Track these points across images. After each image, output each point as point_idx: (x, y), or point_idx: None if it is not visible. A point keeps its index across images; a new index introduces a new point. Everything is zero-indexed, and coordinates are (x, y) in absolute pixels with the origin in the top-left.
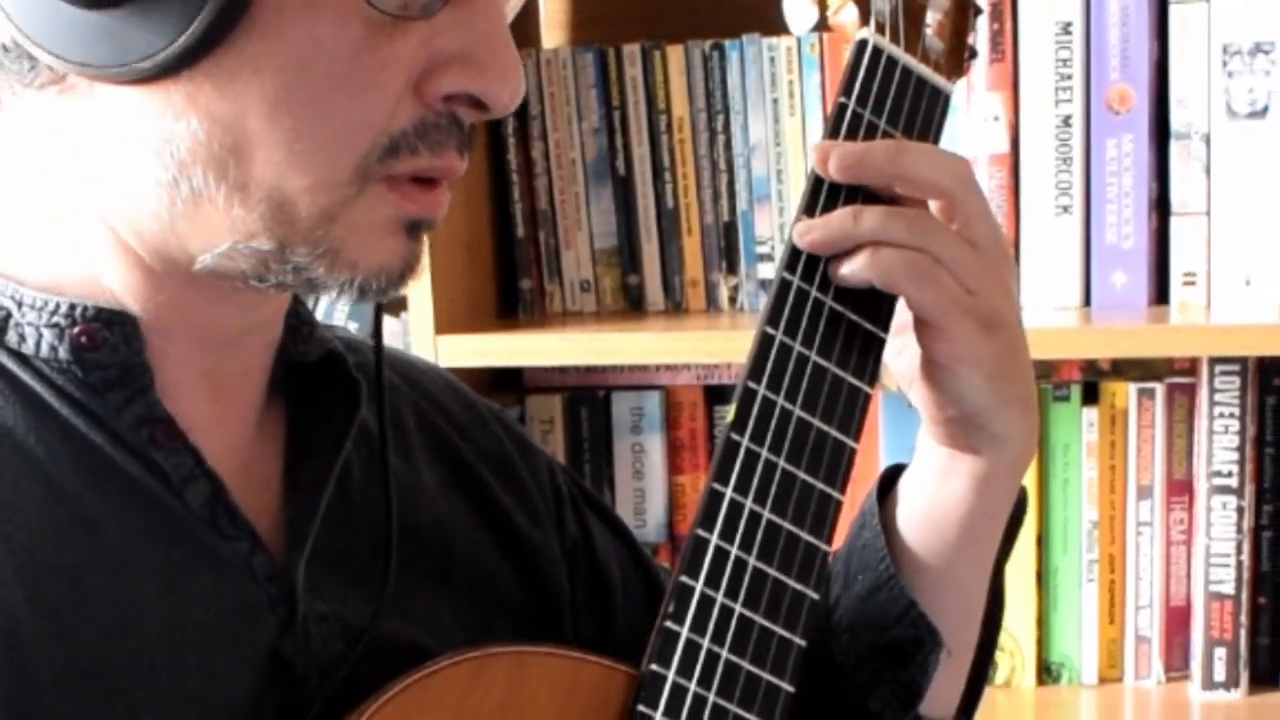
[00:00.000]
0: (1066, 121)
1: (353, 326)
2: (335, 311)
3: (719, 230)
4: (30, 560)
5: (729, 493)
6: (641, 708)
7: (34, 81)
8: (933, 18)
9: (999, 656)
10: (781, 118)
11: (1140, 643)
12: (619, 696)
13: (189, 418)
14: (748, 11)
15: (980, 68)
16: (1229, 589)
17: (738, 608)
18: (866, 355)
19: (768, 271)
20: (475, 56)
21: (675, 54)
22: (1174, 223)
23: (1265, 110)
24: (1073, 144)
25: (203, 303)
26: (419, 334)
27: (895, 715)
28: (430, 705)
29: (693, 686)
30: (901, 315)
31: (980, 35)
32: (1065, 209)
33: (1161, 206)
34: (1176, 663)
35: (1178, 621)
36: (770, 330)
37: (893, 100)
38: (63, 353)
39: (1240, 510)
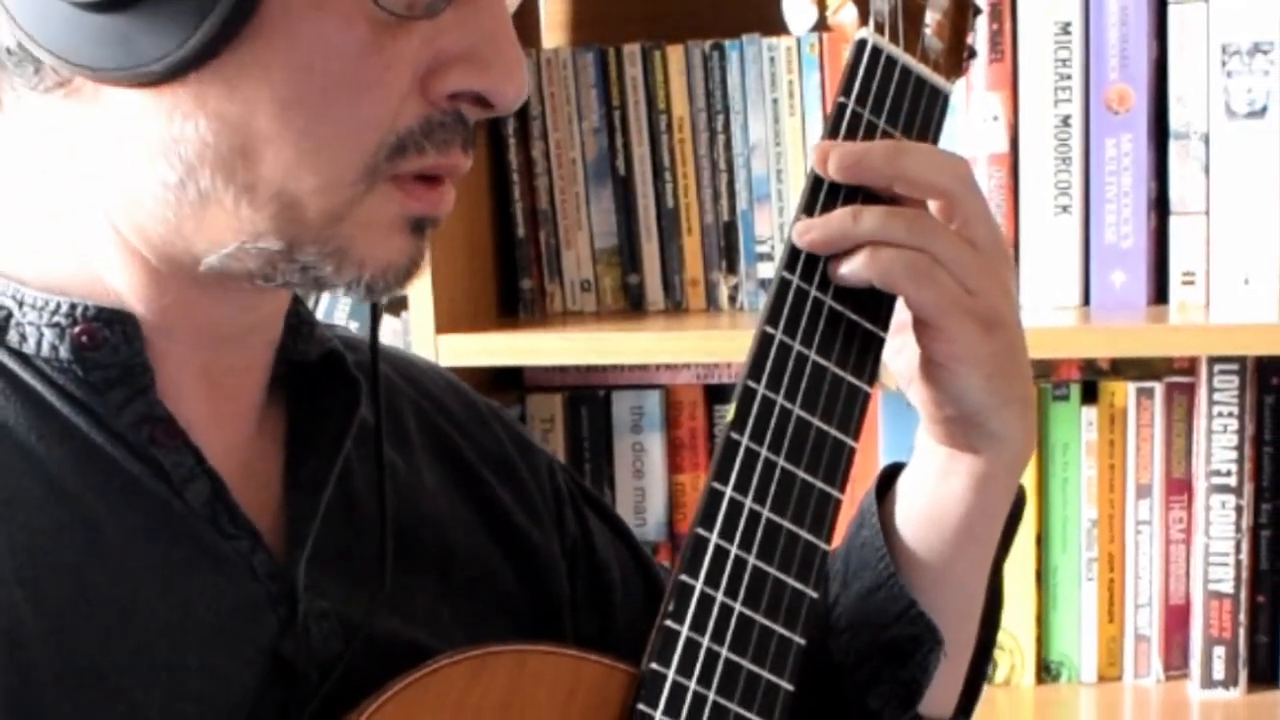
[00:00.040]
0: (1066, 121)
1: (353, 326)
2: (336, 311)
3: (719, 230)
4: (31, 560)
5: (729, 492)
6: (642, 706)
7: (39, 85)
8: (932, 18)
9: (998, 655)
10: (781, 117)
11: (1139, 641)
12: (619, 695)
13: (190, 417)
14: (748, 11)
15: (979, 67)
16: (1228, 588)
17: (737, 606)
18: (866, 354)
19: (767, 271)
20: (480, 55)
21: (675, 54)
22: (1173, 222)
23: (1264, 110)
24: (1072, 144)
25: (205, 302)
26: (420, 333)
27: (895, 714)
28: (430, 704)
29: (693, 685)
30: (901, 315)
31: (979, 35)
32: (1064, 209)
33: (1160, 206)
34: (1175, 661)
35: (1177, 620)
36: (770, 329)
37: (892, 100)
38: (63, 352)
39: (1239, 509)
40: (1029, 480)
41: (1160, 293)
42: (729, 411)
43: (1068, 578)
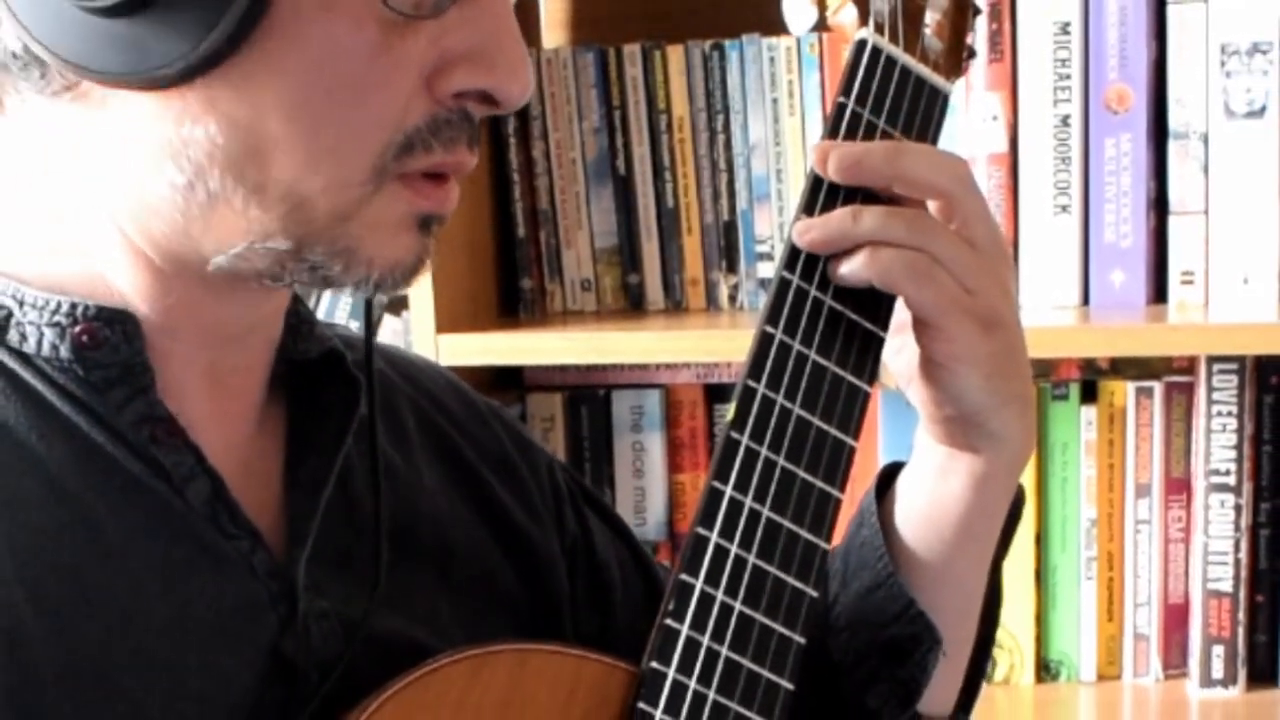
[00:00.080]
0: (1065, 121)
1: (354, 325)
2: (337, 311)
3: (719, 229)
4: (32, 559)
5: (729, 491)
6: (642, 705)
7: (45, 89)
8: (931, 18)
9: (998, 654)
10: (781, 117)
11: (1139, 640)
12: (619, 694)
13: (191, 416)
14: (748, 11)
15: (979, 67)
16: (1227, 587)
17: (737, 605)
18: (866, 354)
19: (767, 270)
20: (485, 53)
21: (675, 54)
22: (1172, 222)
23: (1263, 110)
24: (1071, 143)
25: (210, 302)
26: (420, 333)
27: (894, 713)
28: (431, 703)
29: (693, 684)
30: (900, 314)
31: (979, 35)
32: (1064, 208)
33: (1160, 206)
34: (1175, 660)
35: (1176, 619)
36: (770, 329)
37: (892, 100)
38: (64, 351)
39: (1238, 508)
40: (1028, 479)
41: (1159, 292)
42: (729, 411)
43: (1067, 577)
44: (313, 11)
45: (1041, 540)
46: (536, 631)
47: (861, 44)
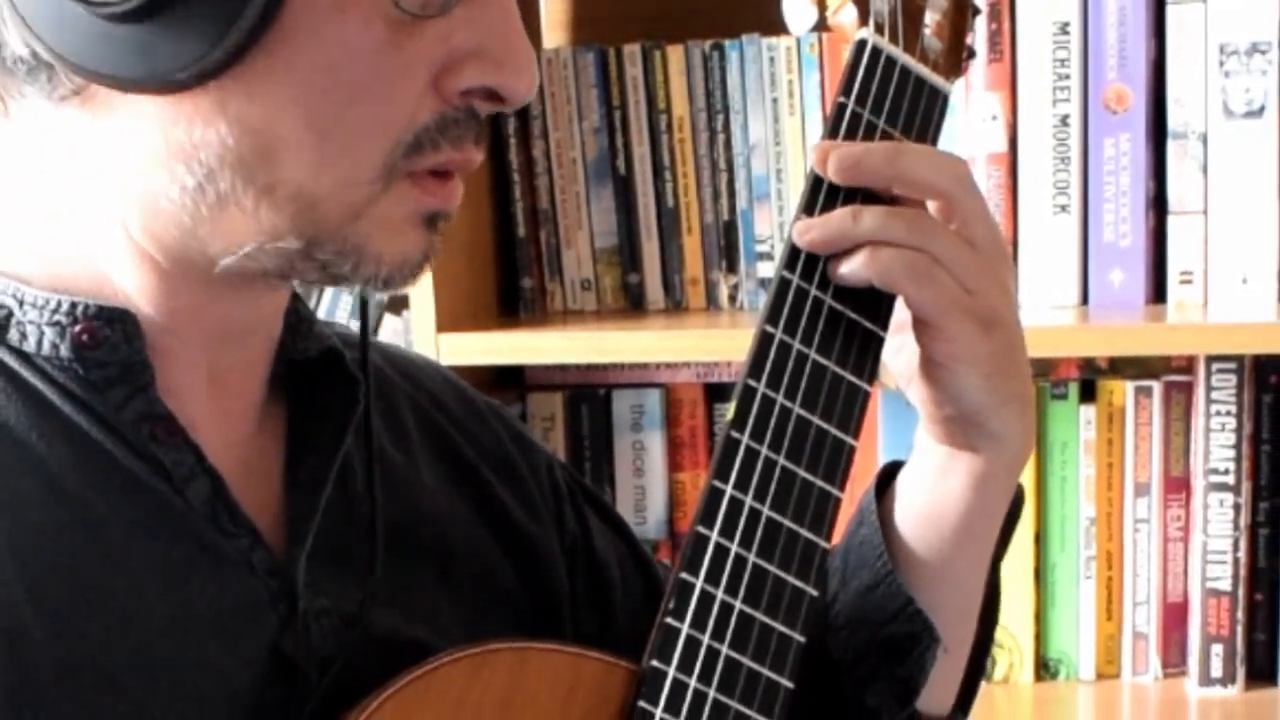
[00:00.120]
0: (1064, 121)
1: (354, 324)
2: (338, 310)
3: (719, 229)
4: (32, 558)
5: (729, 490)
6: (642, 704)
7: (52, 93)
8: (931, 18)
9: (997, 653)
10: (781, 117)
11: (1138, 639)
12: (619, 692)
13: (191, 415)
14: (748, 11)
15: (978, 67)
16: (1226, 585)
17: (738, 604)
18: (865, 353)
19: (767, 270)
20: (491, 51)
21: (675, 54)
22: (1171, 221)
23: (1261, 110)
24: (1070, 143)
25: (213, 301)
26: (421, 332)
27: (892, 711)
28: (431, 701)
29: (693, 682)
30: (900, 314)
31: (978, 35)
32: (1063, 208)
33: (1159, 205)
34: (1174, 659)
35: (1175, 618)
36: (770, 328)
37: (891, 100)
38: (64, 350)
39: (1237, 507)
40: (1028, 479)
41: (1158, 292)
42: (729, 410)
43: (1066, 576)
44: (325, 13)
45: (1041, 539)
46: (536, 630)
47: (861, 44)
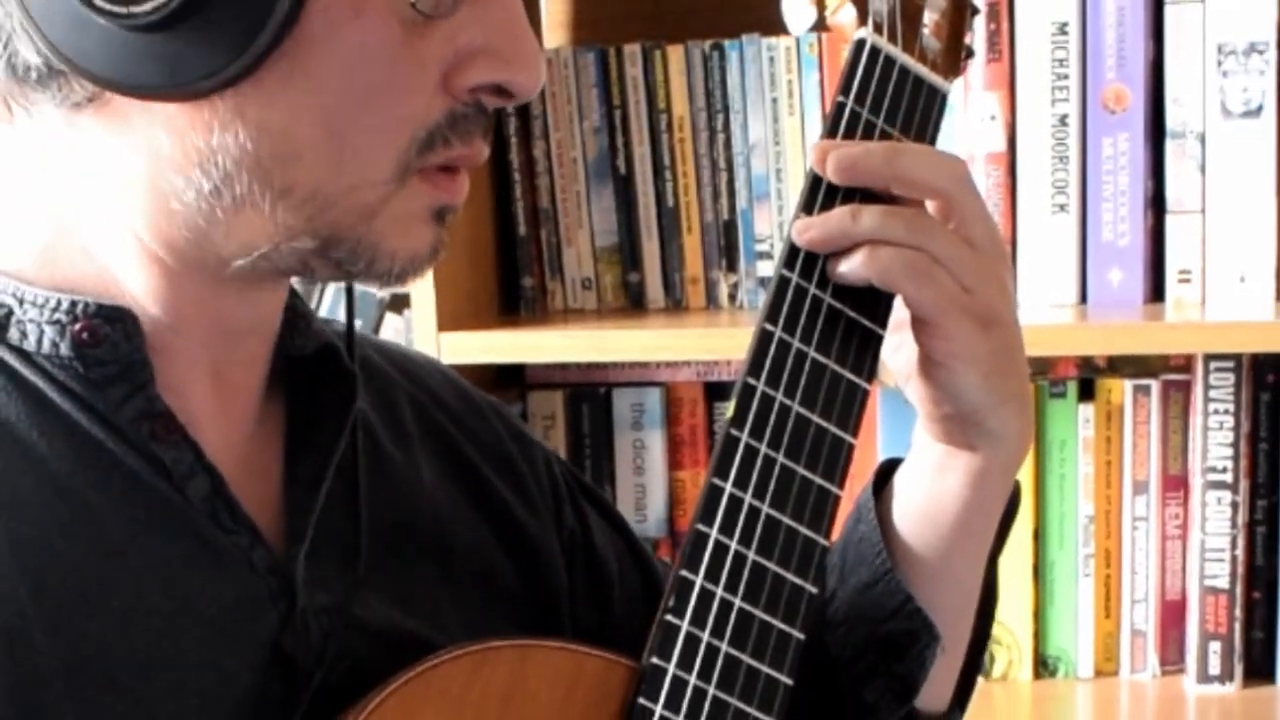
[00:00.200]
0: (1063, 120)
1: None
2: (339, 309)
3: (719, 228)
4: (33, 557)
5: (729, 488)
6: (642, 701)
7: (65, 101)
8: (930, 18)
9: (996, 650)
10: (781, 117)
11: (1136, 636)
12: (620, 690)
13: (191, 412)
14: (747, 11)
15: (977, 67)
16: (1224, 583)
17: (737, 602)
18: (864, 352)
19: (767, 269)
20: (499, 48)
21: (675, 54)
22: (1169, 221)
23: (1259, 109)
24: (1069, 143)
25: (219, 300)
26: (422, 331)
27: (891, 708)
28: (432, 698)
29: (693, 680)
30: (899, 313)
31: (977, 35)
32: (1062, 207)
33: (1157, 205)
34: (1172, 656)
35: (1173, 615)
36: (769, 327)
37: (890, 99)
38: (64, 349)
39: (1235, 505)
40: (1026, 477)
41: (1157, 291)
42: (729, 408)
43: (1064, 573)
44: (343, 17)
45: (1039, 537)
46: (536, 626)
47: (860, 44)
